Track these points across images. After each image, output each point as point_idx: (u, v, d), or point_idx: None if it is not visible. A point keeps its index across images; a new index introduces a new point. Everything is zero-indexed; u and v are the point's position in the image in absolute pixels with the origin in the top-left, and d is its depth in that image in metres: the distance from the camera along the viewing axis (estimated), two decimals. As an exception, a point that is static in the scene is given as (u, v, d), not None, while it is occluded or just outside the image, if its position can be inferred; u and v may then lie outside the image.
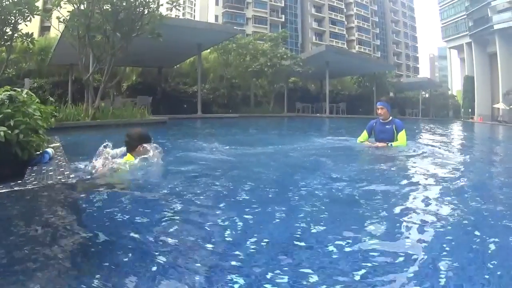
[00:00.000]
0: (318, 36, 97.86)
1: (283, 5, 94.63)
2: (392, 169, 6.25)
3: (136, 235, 2.78)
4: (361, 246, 2.62)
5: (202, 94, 30.27)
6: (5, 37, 14.46)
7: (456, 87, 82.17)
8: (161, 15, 17.49)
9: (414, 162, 7.01)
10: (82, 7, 15.67)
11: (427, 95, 59.70)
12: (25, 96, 5.95)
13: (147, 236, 2.78)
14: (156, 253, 2.47)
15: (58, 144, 7.54)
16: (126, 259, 2.40)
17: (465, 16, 63.71)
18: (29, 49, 15.71)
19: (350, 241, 2.71)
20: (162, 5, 17.89)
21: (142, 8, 16.35)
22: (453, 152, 9.95)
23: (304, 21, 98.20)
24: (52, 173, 4.51)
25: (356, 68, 43.11)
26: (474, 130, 28.06)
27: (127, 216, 3.25)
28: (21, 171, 4.75)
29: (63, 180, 4.09)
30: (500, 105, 52.16)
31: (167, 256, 2.45)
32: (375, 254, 2.50)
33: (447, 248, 2.67)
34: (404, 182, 5.13)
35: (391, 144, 8.35)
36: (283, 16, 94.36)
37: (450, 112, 63.49)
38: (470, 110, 58.51)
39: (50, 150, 5.60)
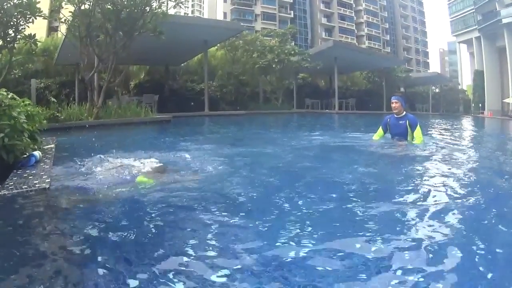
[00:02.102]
0: (328, 31, 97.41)
1: (291, 1, 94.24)
2: (410, 168, 6.09)
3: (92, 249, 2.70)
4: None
5: (210, 92, 30.26)
6: (8, 39, 14.49)
7: (466, 81, 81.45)
8: (164, 13, 17.46)
9: (432, 162, 6.77)
10: (83, 7, 15.72)
11: (437, 90, 59.29)
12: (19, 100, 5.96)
13: (105, 249, 2.70)
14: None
15: (52, 145, 7.50)
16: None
17: (474, 10, 63.05)
18: (32, 50, 15.71)
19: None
20: (163, 2, 17.86)
21: (143, 7, 16.33)
22: (466, 149, 9.70)
23: (313, 17, 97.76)
24: (32, 177, 4.47)
25: (365, 64, 42.83)
26: (484, 125, 27.63)
27: (85, 228, 3.16)
28: (6, 174, 4.71)
29: (37, 186, 4.03)
30: (510, 100, 51.54)
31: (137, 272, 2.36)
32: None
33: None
34: (423, 185, 4.94)
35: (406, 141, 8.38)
36: (292, 12, 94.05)
37: (461, 107, 62.96)
38: (480, 105, 57.91)
39: (37, 153, 5.55)
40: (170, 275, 2.29)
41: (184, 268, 2.38)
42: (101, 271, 2.32)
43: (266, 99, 37.29)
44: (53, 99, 15.53)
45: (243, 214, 3.53)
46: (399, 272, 2.29)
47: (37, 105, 15.09)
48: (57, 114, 14.19)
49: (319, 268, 2.35)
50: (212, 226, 3.18)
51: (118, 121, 16.29)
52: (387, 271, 2.32)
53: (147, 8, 16.57)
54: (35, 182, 4.20)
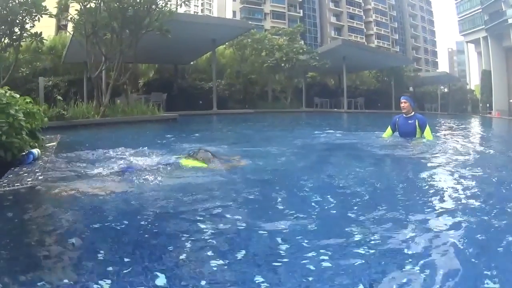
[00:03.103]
0: (337, 30, 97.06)
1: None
2: (419, 171, 5.92)
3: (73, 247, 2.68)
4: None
5: (219, 90, 30.29)
6: (14, 37, 14.58)
7: (474, 81, 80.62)
8: (170, 11, 17.47)
9: (442, 164, 6.50)
10: (89, 5, 15.76)
11: (445, 90, 58.89)
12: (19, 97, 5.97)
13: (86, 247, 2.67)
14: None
15: (54, 143, 7.51)
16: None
17: (481, 10, 62.37)
18: (39, 48, 15.80)
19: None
20: (170, 0, 17.86)
21: (149, 5, 16.33)
22: (476, 150, 9.44)
23: (322, 16, 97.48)
24: (26, 174, 4.48)
25: (373, 63, 42.56)
26: (492, 126, 27.21)
27: (74, 225, 3.14)
28: (3, 172, 4.72)
29: (29, 183, 4.04)
30: (517, 100, 50.88)
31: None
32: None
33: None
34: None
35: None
36: (301, 11, 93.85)
37: (469, 107, 62.43)
38: (488, 105, 57.32)
39: (35, 151, 5.56)
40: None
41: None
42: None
43: (275, 98, 37.12)
44: (59, 97, 15.57)
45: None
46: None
47: (45, 103, 15.27)
48: (63, 112, 14.21)
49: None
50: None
51: (124, 119, 16.35)
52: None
53: (153, 6, 16.56)
54: (28, 179, 4.21)
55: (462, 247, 2.65)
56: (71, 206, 3.59)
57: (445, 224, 3.13)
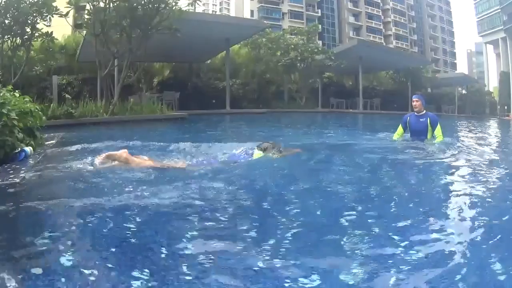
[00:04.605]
0: (356, 30, 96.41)
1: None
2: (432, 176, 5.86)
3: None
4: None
5: (233, 89, 30.35)
6: (25, 36, 14.85)
7: (492, 83, 79.47)
8: (180, 10, 17.56)
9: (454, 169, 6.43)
10: (100, 4, 15.93)
11: (464, 91, 58.15)
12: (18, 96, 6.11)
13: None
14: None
15: (53, 141, 7.65)
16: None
17: (499, 10, 61.44)
18: (50, 47, 16.05)
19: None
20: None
21: (158, 4, 16.44)
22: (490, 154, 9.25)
23: (341, 16, 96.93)
24: (12, 171, 4.63)
25: (390, 63, 42.24)
26: (510, 129, 26.65)
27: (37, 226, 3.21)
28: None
29: (10, 180, 4.18)
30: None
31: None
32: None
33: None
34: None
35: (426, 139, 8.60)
36: (319, 10, 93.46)
37: (487, 109, 61.50)
38: (506, 107, 56.47)
39: (27, 149, 5.73)
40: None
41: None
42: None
43: (291, 98, 37.01)
44: (67, 95, 15.82)
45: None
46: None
47: (58, 101, 15.50)
48: (71, 111, 14.39)
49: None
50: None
51: (132, 118, 16.49)
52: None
53: (162, 5, 16.66)
54: (10, 176, 4.32)
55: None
56: (51, 202, 3.64)
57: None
